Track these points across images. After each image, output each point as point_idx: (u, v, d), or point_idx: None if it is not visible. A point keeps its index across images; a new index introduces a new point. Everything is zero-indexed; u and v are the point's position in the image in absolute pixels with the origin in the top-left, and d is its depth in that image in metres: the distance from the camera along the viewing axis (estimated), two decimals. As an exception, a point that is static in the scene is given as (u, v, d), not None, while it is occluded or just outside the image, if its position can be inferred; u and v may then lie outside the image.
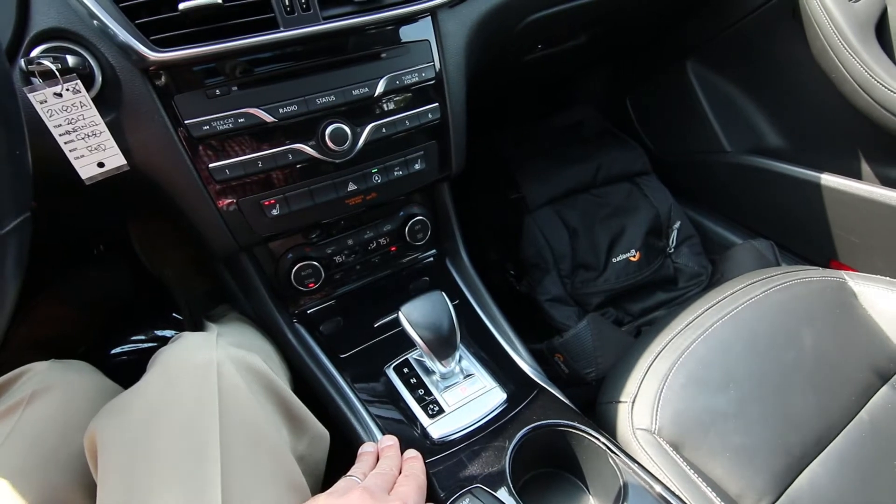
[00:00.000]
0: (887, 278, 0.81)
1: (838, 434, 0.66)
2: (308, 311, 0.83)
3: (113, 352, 1.22)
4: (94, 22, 0.53)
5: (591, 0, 0.92)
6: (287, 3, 0.58)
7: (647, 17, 1.18)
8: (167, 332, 1.28)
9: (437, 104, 0.74)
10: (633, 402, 0.68)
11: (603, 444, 0.60)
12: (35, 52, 0.53)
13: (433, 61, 0.72)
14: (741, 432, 0.64)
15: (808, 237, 1.14)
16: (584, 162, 1.23)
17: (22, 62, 0.51)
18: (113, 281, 1.28)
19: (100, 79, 0.56)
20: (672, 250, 1.18)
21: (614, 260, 1.13)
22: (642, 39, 1.35)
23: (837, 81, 0.95)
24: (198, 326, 1.19)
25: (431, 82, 0.73)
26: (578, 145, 1.33)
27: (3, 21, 0.52)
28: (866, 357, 0.73)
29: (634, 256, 1.13)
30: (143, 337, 1.26)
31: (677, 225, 1.19)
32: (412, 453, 0.60)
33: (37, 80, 0.52)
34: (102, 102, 0.57)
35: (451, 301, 0.68)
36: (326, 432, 0.66)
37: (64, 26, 0.54)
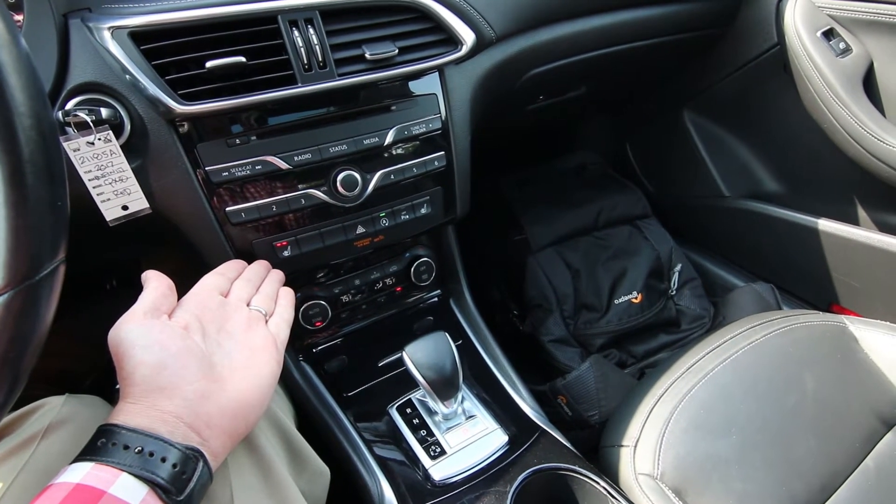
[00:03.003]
0: (888, 323, 0.82)
1: (843, 482, 0.65)
2: (314, 350, 0.84)
3: (117, 387, 1.23)
4: (127, 77, 0.58)
5: (587, 56, 0.98)
6: (305, 61, 0.63)
7: (642, 71, 1.24)
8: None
9: (443, 152, 0.78)
10: (636, 446, 0.68)
11: (604, 488, 0.60)
12: (71, 104, 0.58)
13: (440, 113, 0.76)
14: (744, 479, 0.64)
15: (808, 281, 1.15)
16: (586, 205, 1.26)
17: (59, 114, 0.55)
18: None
19: (128, 128, 0.61)
20: (674, 292, 1.19)
21: (616, 301, 1.14)
22: (640, 90, 1.41)
23: (829, 132, 0.99)
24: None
25: (438, 132, 0.77)
26: (581, 188, 1.37)
27: (43, 74, 0.57)
28: (869, 403, 0.73)
29: (636, 298, 1.15)
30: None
31: (678, 267, 1.21)
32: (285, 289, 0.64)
33: (71, 130, 0.56)
34: (130, 149, 0.61)
35: (455, 342, 0.70)
36: (327, 469, 0.67)
37: (99, 80, 0.59)
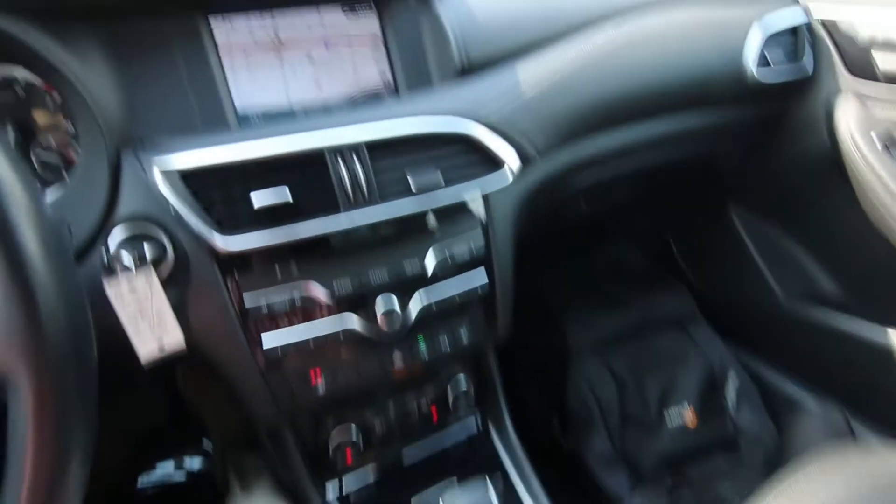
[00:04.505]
0: None
1: None
2: (344, 491, 0.78)
3: (140, 486, 1.18)
4: (172, 212, 0.58)
5: (632, 164, 0.96)
6: (350, 192, 0.62)
7: (686, 174, 1.21)
8: (195, 462, 1.25)
9: (485, 276, 0.75)
10: None
11: None
12: (117, 236, 0.58)
13: (482, 236, 0.74)
14: None
15: (882, 402, 1.04)
16: (628, 305, 1.21)
17: (104, 256, 0.54)
18: (149, 408, 1.28)
19: (172, 261, 0.60)
20: (729, 407, 1.10)
21: (666, 413, 1.05)
22: (684, 189, 1.37)
23: (894, 240, 0.92)
24: (226, 465, 1.14)
25: (480, 255, 0.74)
26: (622, 285, 1.31)
27: (93, 207, 0.57)
28: None
29: (688, 411, 1.06)
30: (170, 465, 1.22)
31: (732, 377, 1.12)
32: None
33: (116, 270, 0.55)
34: (171, 282, 0.60)
35: (492, 477, 0.63)
36: None
37: (146, 213, 0.58)
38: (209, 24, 0.63)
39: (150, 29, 0.60)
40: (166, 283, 0.60)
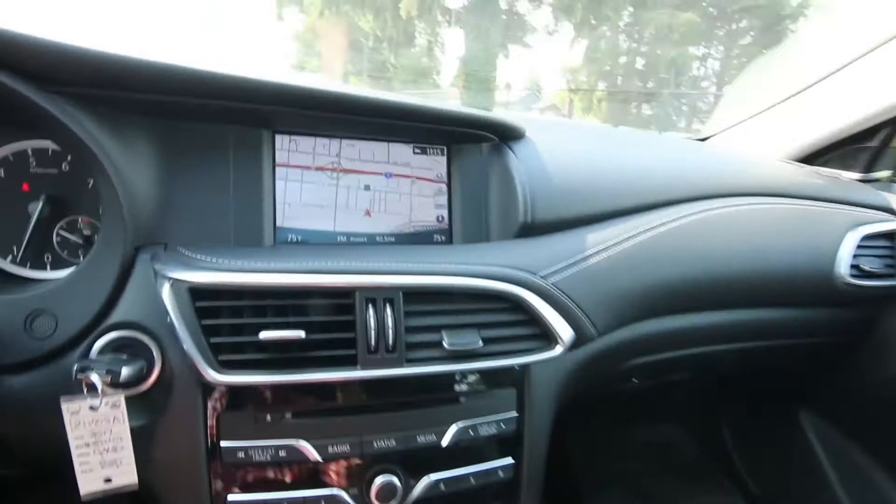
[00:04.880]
0: None
1: None
2: None
3: None
4: (169, 327, 0.50)
5: (697, 351, 0.84)
6: (373, 343, 0.53)
7: (758, 365, 1.07)
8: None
9: (511, 459, 0.63)
10: None
11: None
12: (104, 340, 0.51)
13: (516, 411, 0.63)
14: None
15: None
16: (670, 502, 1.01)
17: (75, 368, 0.46)
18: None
19: (154, 379, 0.52)
20: None
21: None
22: (752, 381, 1.21)
23: None
24: None
25: (511, 434, 0.62)
26: (664, 476, 1.12)
27: (87, 306, 0.51)
28: None
29: None
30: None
31: None
32: None
33: (81, 387, 0.47)
34: (145, 400, 0.52)
35: None
36: None
37: (143, 322, 0.52)
38: (273, 141, 0.61)
39: (207, 133, 0.57)
40: (140, 400, 0.51)
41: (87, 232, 0.59)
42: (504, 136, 0.70)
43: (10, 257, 0.57)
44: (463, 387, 0.61)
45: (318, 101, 0.58)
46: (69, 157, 0.58)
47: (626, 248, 0.70)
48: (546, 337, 0.61)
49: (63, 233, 0.58)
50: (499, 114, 0.71)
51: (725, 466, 1.24)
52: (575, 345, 0.63)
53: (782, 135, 1.10)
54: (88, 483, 0.48)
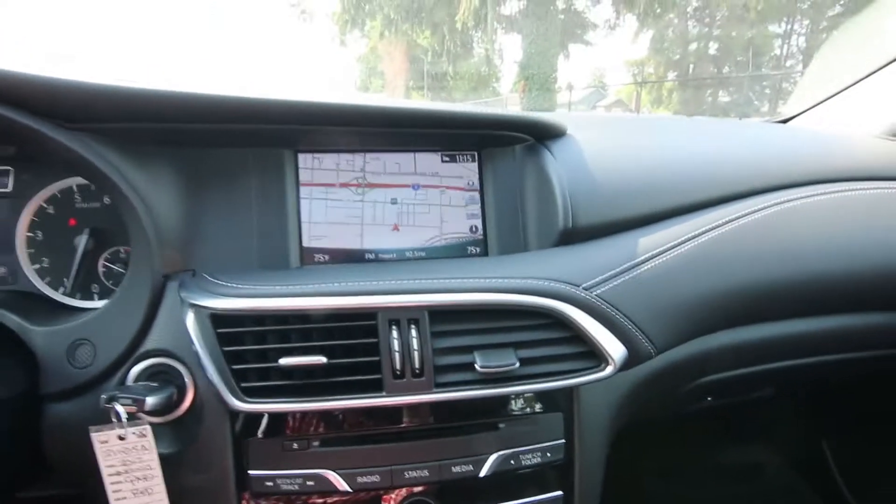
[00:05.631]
0: None
1: None
2: None
3: None
4: (197, 357, 0.50)
5: (779, 366, 0.73)
6: (398, 367, 0.50)
7: (861, 375, 0.92)
8: None
9: (560, 493, 0.56)
10: None
11: None
12: (135, 371, 0.51)
13: (563, 439, 0.56)
14: None
15: None
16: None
17: (102, 398, 0.47)
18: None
19: (187, 406, 0.52)
20: None
21: None
22: (857, 390, 1.05)
23: None
24: None
25: (558, 463, 0.56)
26: (755, 502, 0.99)
27: (124, 333, 0.52)
28: None
29: None
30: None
31: None
32: None
33: (111, 416, 0.48)
34: (177, 430, 0.52)
35: None
36: None
37: (173, 350, 0.52)
38: (296, 160, 0.60)
39: (229, 158, 0.57)
40: (172, 428, 0.52)
41: (128, 262, 0.61)
42: (540, 135, 0.65)
43: (61, 289, 0.60)
44: (502, 412, 0.56)
45: (339, 115, 0.56)
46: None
47: (686, 252, 0.61)
48: (594, 356, 0.54)
49: (107, 263, 0.61)
50: (534, 113, 0.65)
51: (825, 489, 1.07)
52: (628, 364, 0.56)
53: (877, 108, 0.94)
54: (123, 512, 0.49)
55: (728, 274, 0.62)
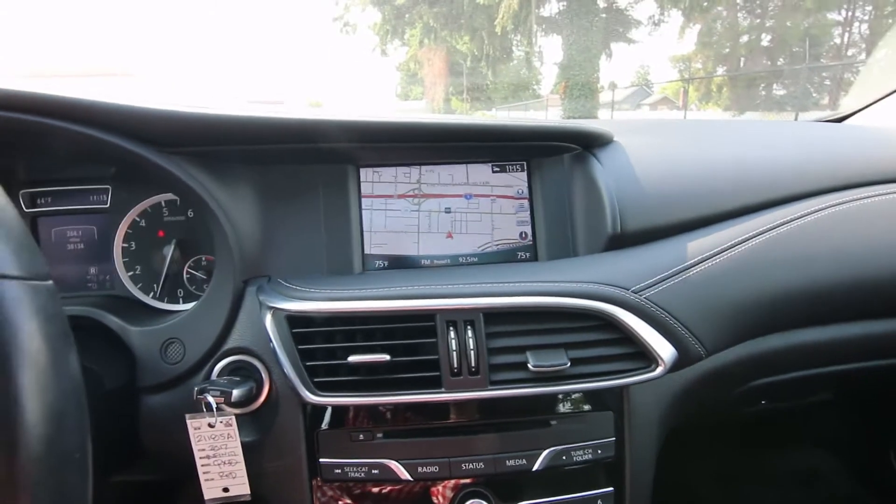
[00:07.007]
0: None
1: None
2: None
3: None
4: (274, 354, 0.55)
5: (838, 369, 0.71)
6: (455, 365, 0.53)
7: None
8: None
9: (611, 489, 0.58)
10: None
11: None
12: (219, 367, 0.57)
13: (614, 436, 0.58)
14: None
15: None
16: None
17: (195, 390, 0.53)
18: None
19: (263, 399, 0.57)
20: None
21: None
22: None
23: None
24: None
25: (609, 461, 0.58)
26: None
27: (209, 333, 0.58)
28: None
29: None
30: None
31: None
32: None
33: (201, 406, 0.53)
34: (255, 420, 0.57)
35: None
36: None
37: (253, 348, 0.57)
38: (358, 174, 0.65)
39: (299, 174, 0.63)
40: (251, 418, 0.57)
41: (210, 269, 0.67)
42: (587, 144, 0.67)
43: (151, 294, 0.67)
44: (555, 410, 0.59)
45: (397, 132, 0.61)
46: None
47: (736, 255, 0.62)
48: (644, 357, 0.56)
49: (191, 270, 0.67)
50: (581, 122, 0.68)
51: (892, 501, 1.02)
52: (679, 365, 0.57)
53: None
54: (210, 491, 0.55)
55: (779, 277, 0.62)
